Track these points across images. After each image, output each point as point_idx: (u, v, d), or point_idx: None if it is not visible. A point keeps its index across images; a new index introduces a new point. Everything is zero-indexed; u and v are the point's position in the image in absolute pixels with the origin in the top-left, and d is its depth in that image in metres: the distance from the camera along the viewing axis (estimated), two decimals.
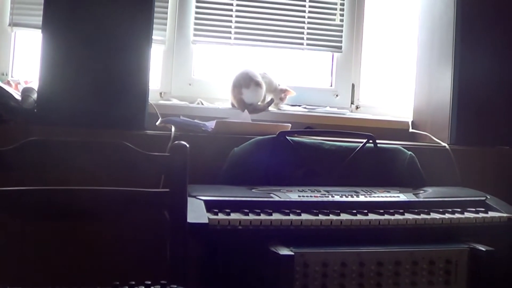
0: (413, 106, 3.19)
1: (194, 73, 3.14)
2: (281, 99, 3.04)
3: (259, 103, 2.91)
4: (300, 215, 1.96)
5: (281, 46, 3.21)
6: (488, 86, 2.76)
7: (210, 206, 1.96)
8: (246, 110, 2.81)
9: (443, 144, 2.75)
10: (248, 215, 1.92)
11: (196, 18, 3.12)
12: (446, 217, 2.07)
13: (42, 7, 2.42)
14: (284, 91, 3.04)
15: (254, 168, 2.39)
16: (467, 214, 2.13)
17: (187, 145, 1.86)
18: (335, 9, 3.24)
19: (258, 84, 2.88)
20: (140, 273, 2.09)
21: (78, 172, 1.92)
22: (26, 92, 2.50)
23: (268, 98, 2.98)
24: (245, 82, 2.86)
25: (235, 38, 3.15)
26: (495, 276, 2.00)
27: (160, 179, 2.16)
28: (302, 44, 3.22)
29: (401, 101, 3.32)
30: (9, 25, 2.96)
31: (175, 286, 1.63)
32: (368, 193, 2.24)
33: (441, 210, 2.14)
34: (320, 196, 2.15)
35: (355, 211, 2.02)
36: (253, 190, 2.19)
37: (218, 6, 3.14)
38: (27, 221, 2.15)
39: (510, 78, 2.79)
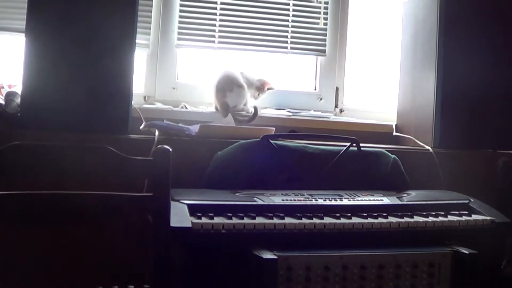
0: (397, 110, 3.19)
1: (178, 77, 3.14)
2: (261, 90, 3.05)
3: (242, 105, 2.92)
4: (284, 219, 1.97)
5: (265, 50, 3.21)
6: (471, 89, 2.77)
7: (194, 210, 1.95)
8: (229, 114, 2.81)
9: (427, 147, 2.75)
10: (231, 219, 1.92)
11: (180, 22, 3.11)
12: (430, 220, 2.09)
13: (25, 11, 2.41)
14: (262, 82, 3.05)
15: (237, 172, 2.38)
16: (450, 217, 2.14)
17: (170, 149, 1.86)
18: (319, 13, 3.24)
19: (240, 86, 2.90)
20: (124, 276, 2.10)
21: (61, 177, 1.91)
22: (9, 96, 2.49)
23: (249, 94, 3.00)
24: (228, 86, 2.86)
25: (219, 42, 3.15)
26: (478, 279, 2.01)
27: (144, 183, 2.16)
28: (286, 48, 3.22)
29: (385, 104, 3.33)
30: None
31: None
32: (352, 196, 2.25)
33: (424, 213, 2.15)
34: (303, 200, 2.16)
35: (338, 215, 2.03)
36: (237, 194, 2.19)
37: (202, 10, 3.13)
38: (10, 226, 2.13)
39: (493, 81, 2.80)
